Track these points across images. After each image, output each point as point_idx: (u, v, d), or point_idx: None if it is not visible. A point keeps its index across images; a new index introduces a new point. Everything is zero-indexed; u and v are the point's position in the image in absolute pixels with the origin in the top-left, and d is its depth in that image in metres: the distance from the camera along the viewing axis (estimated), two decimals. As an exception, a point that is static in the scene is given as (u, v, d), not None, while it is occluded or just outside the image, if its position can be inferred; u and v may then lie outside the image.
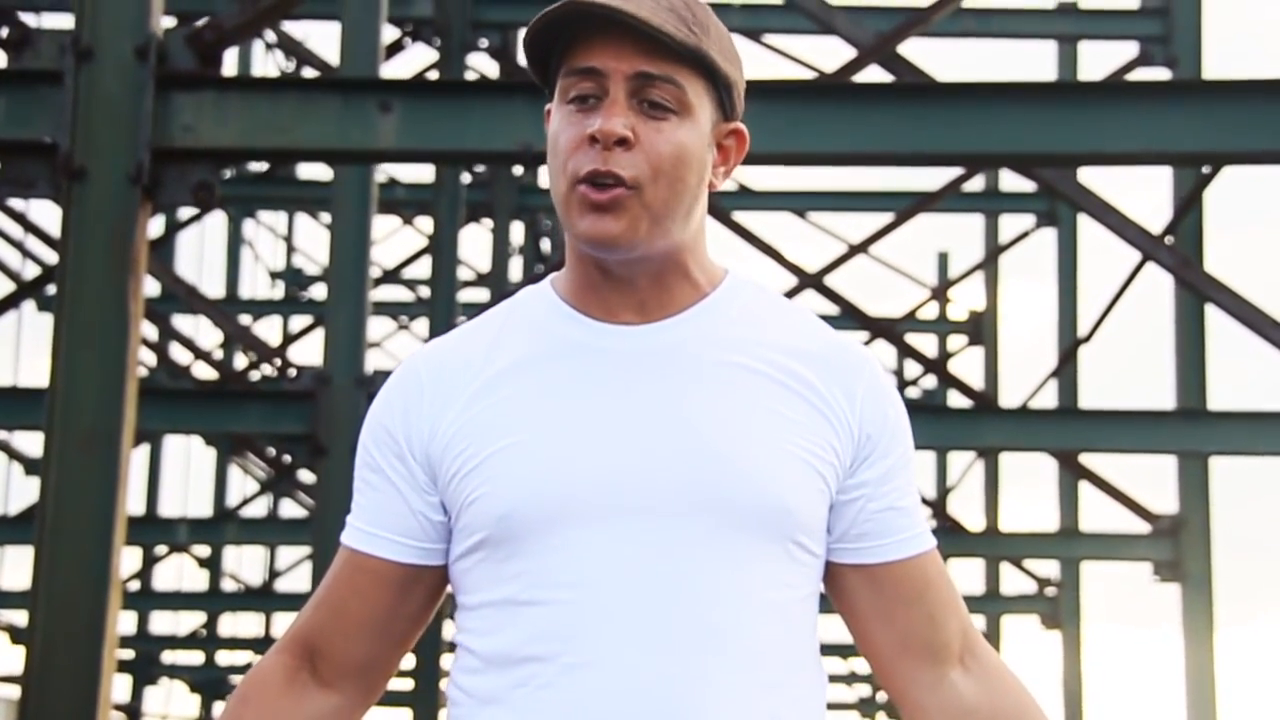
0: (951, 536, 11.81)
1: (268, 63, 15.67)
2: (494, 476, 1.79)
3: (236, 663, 20.90)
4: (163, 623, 18.45)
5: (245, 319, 16.45)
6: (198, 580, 18.86)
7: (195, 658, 20.06)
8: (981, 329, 15.43)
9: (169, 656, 19.19)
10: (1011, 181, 13.41)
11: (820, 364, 1.84)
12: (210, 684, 21.61)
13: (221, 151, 4.29)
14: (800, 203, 13.39)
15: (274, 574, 18.20)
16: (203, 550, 18.17)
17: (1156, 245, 7.00)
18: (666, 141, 1.78)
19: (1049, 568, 13.44)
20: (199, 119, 4.25)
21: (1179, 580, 9.50)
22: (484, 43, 9.70)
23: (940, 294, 15.48)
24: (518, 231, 14.74)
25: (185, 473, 18.99)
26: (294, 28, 11.05)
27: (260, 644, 19.50)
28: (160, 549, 14.70)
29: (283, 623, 17.80)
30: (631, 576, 1.75)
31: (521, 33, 9.01)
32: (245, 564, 22.13)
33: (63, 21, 7.49)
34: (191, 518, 14.98)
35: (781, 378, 1.82)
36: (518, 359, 1.83)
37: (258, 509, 17.74)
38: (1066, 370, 11.94)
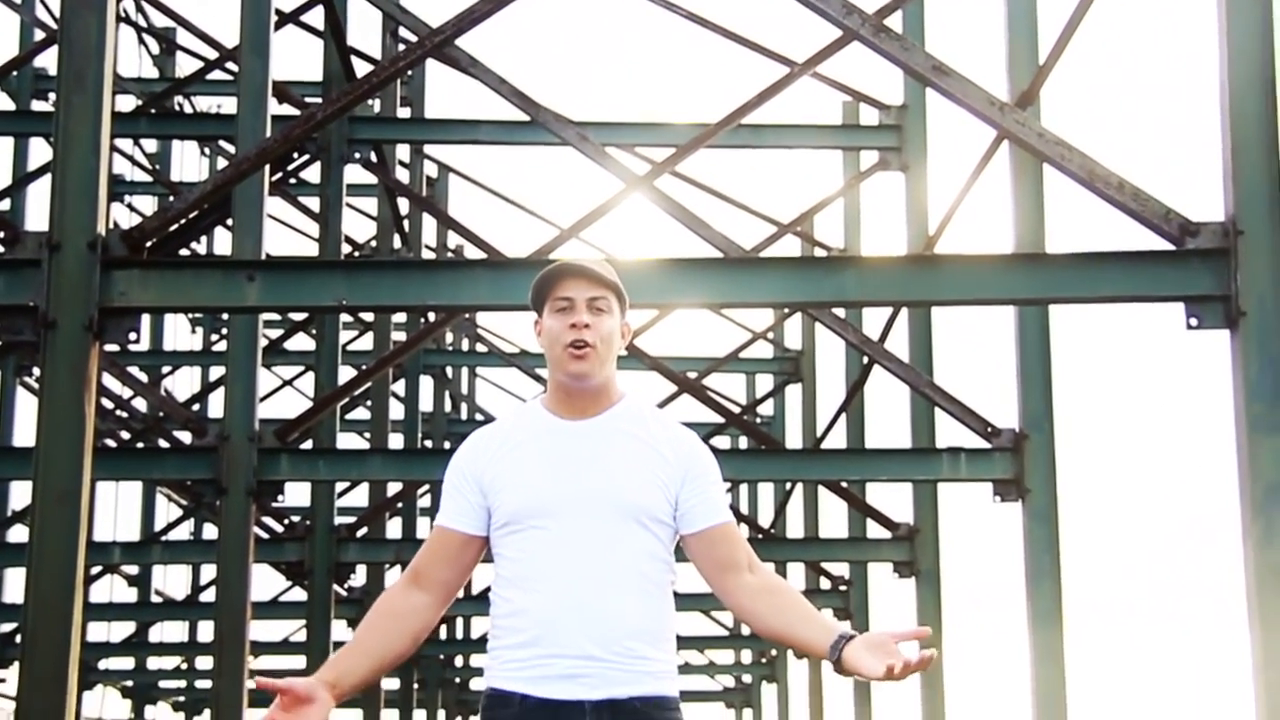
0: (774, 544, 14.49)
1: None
2: (512, 490, 3.59)
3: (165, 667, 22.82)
4: (98, 632, 19.74)
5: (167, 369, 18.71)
6: (128, 594, 20.82)
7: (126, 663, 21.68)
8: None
9: (103, 663, 20.93)
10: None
11: (668, 439, 3.64)
12: (140, 689, 23.56)
13: (144, 309, 6.22)
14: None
15: (197, 588, 19.98)
16: (132, 569, 20.26)
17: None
18: (605, 326, 3.60)
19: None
20: (129, 287, 6.14)
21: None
22: (358, 156, 11.93)
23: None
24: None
25: (115, 503, 21.21)
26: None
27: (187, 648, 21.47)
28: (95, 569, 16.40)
29: (207, 630, 19.61)
30: (574, 544, 3.55)
31: (389, 148, 11.25)
32: (170, 580, 23.75)
33: (40, 223, 9.22)
34: (123, 541, 17.04)
35: (650, 444, 3.62)
36: (523, 437, 3.64)
37: (182, 532, 19.95)
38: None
